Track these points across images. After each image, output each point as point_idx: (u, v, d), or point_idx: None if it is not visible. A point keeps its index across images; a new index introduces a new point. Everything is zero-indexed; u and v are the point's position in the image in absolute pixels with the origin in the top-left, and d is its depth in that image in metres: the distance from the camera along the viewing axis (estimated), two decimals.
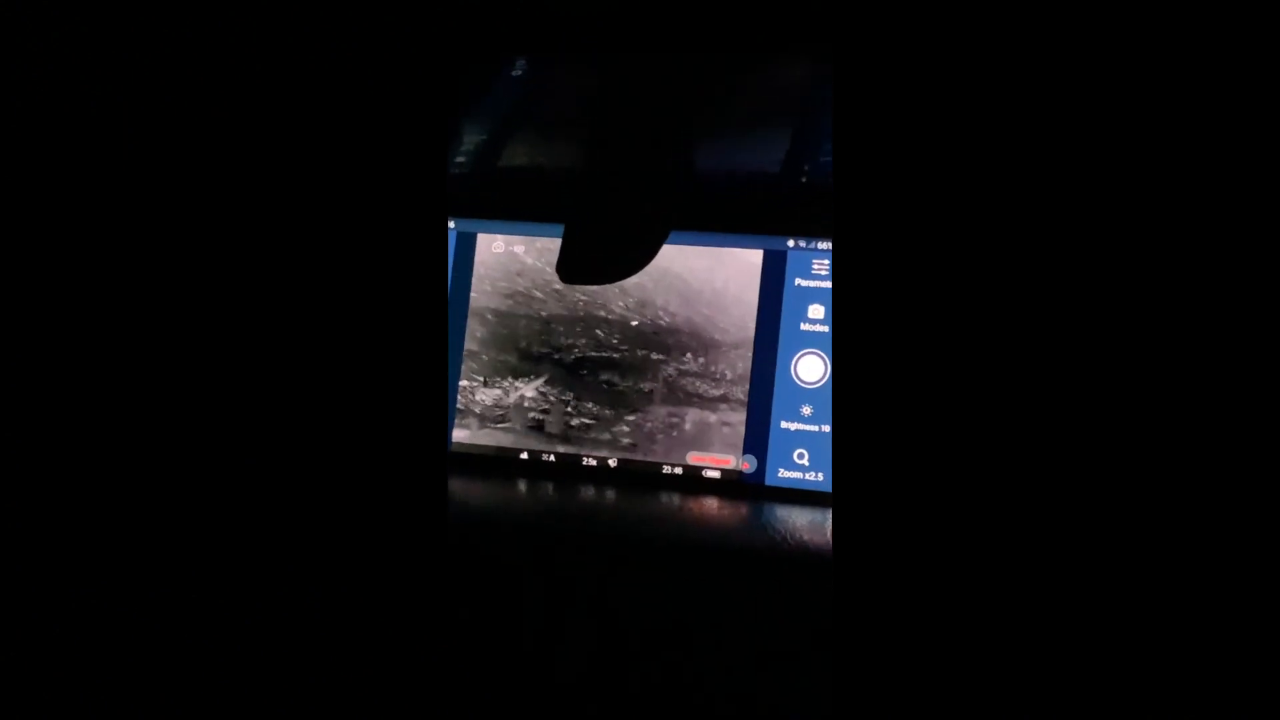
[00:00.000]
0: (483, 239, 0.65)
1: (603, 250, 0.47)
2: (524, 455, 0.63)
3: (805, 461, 0.60)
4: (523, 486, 0.60)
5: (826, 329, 0.60)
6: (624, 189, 0.48)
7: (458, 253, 0.65)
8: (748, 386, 0.61)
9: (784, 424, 0.60)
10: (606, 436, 0.62)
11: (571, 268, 0.47)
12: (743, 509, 0.56)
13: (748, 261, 0.62)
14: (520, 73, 0.65)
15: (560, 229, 0.46)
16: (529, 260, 0.64)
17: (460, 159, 0.64)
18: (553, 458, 0.63)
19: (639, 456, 0.62)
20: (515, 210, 0.65)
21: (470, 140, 0.62)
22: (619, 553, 0.49)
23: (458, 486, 0.57)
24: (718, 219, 0.63)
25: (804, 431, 0.60)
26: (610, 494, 0.59)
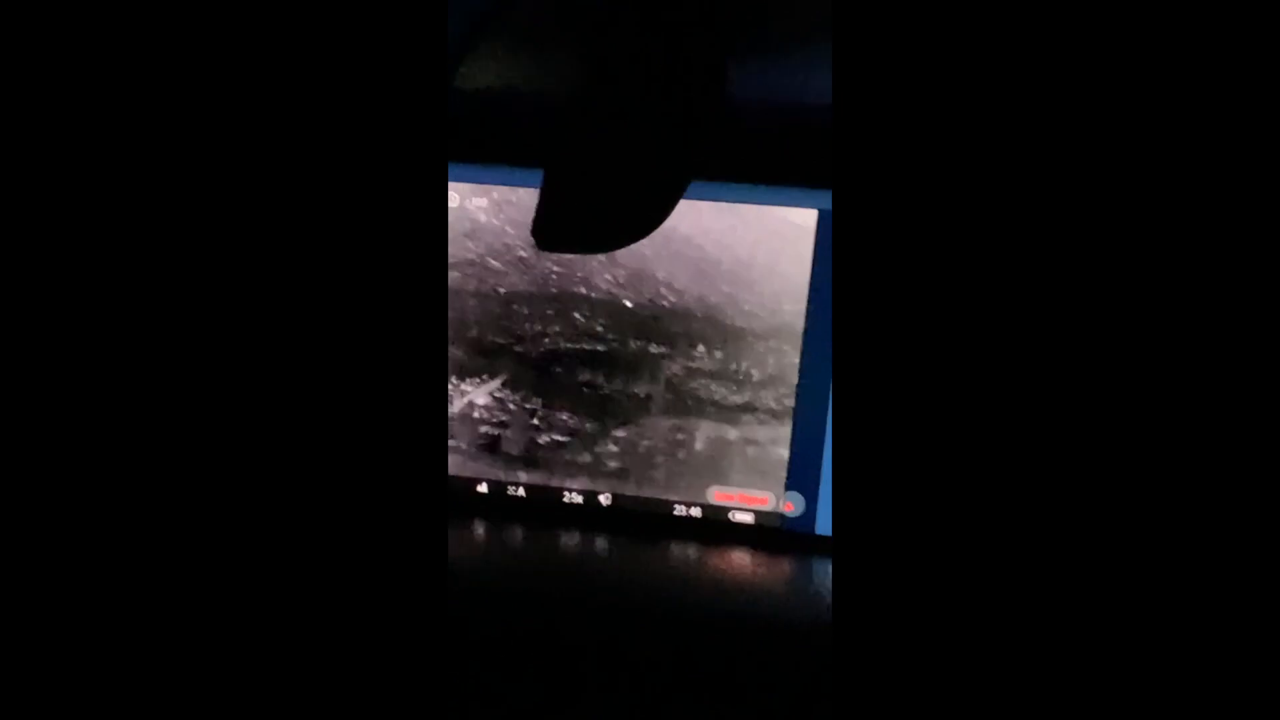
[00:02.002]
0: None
1: (597, 207, 0.39)
2: (482, 488, 0.49)
3: None
4: (481, 531, 0.47)
5: None
6: (628, 122, 0.39)
7: None
8: (790, 397, 0.46)
9: None
10: (587, 459, 0.47)
11: (552, 230, 0.38)
12: (784, 566, 0.46)
13: (793, 224, 0.46)
14: None
15: (537, 176, 0.38)
16: (483, 218, 0.48)
17: None
18: (522, 491, 0.48)
19: (638, 490, 0.47)
20: (476, 149, 0.49)
21: None
22: (616, 627, 0.41)
23: None
24: (757, 166, 0.47)
25: None
26: (602, 544, 0.46)
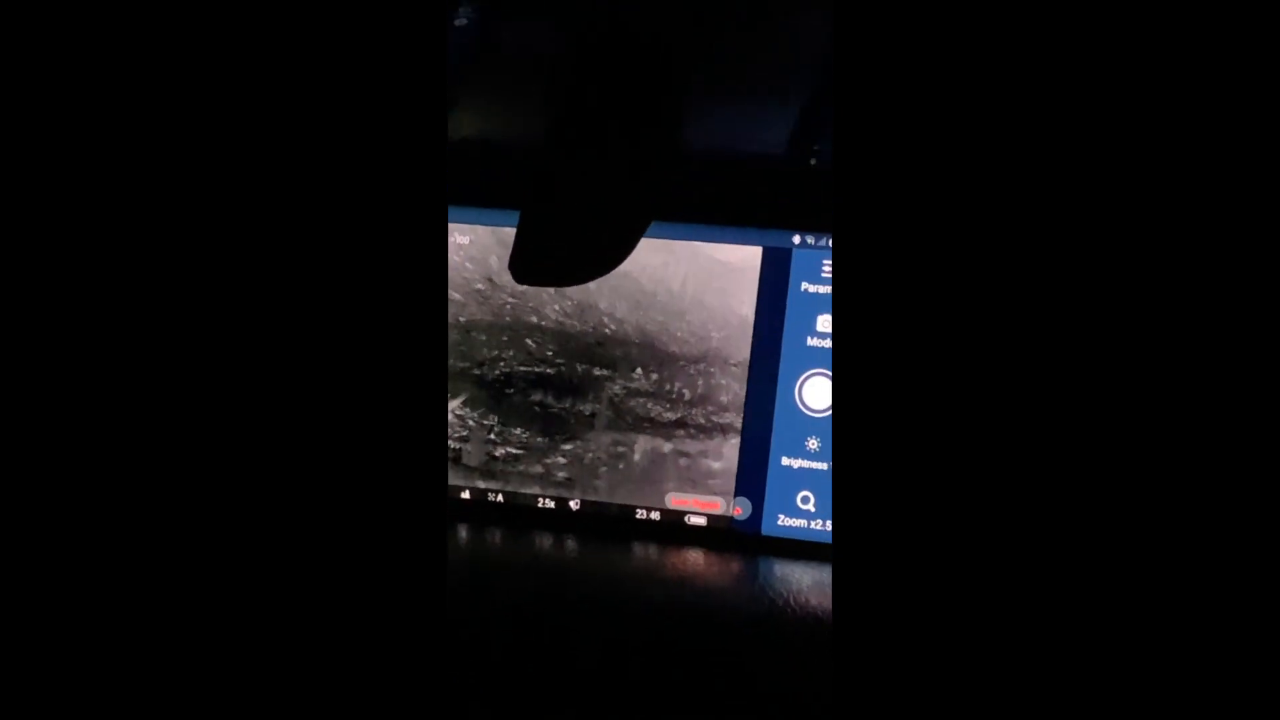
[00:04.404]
0: None
1: (569, 243, 0.43)
2: (465, 495, 0.54)
3: (811, 506, 0.51)
4: (464, 533, 0.51)
5: None
6: (594, 168, 0.42)
7: None
8: (719, 414, 0.52)
9: (785, 460, 0.51)
10: (538, 470, 0.53)
11: (528, 264, 0.42)
12: (733, 564, 0.49)
13: (719, 260, 0.53)
14: (466, 20, 0.56)
15: (499, 216, 0.46)
16: (452, 256, 0.53)
17: None
18: (500, 498, 0.53)
19: (605, 497, 0.53)
20: (462, 192, 0.54)
21: None
22: (584, 619, 0.45)
23: None
24: (708, 208, 0.53)
25: (810, 470, 0.51)
26: (570, 544, 0.51)
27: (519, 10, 0.58)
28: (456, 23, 0.55)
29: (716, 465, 0.52)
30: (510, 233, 0.45)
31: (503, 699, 0.45)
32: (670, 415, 0.52)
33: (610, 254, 0.43)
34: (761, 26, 0.56)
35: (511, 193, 0.52)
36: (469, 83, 0.58)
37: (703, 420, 0.52)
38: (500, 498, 0.53)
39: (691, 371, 0.52)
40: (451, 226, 0.54)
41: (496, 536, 0.52)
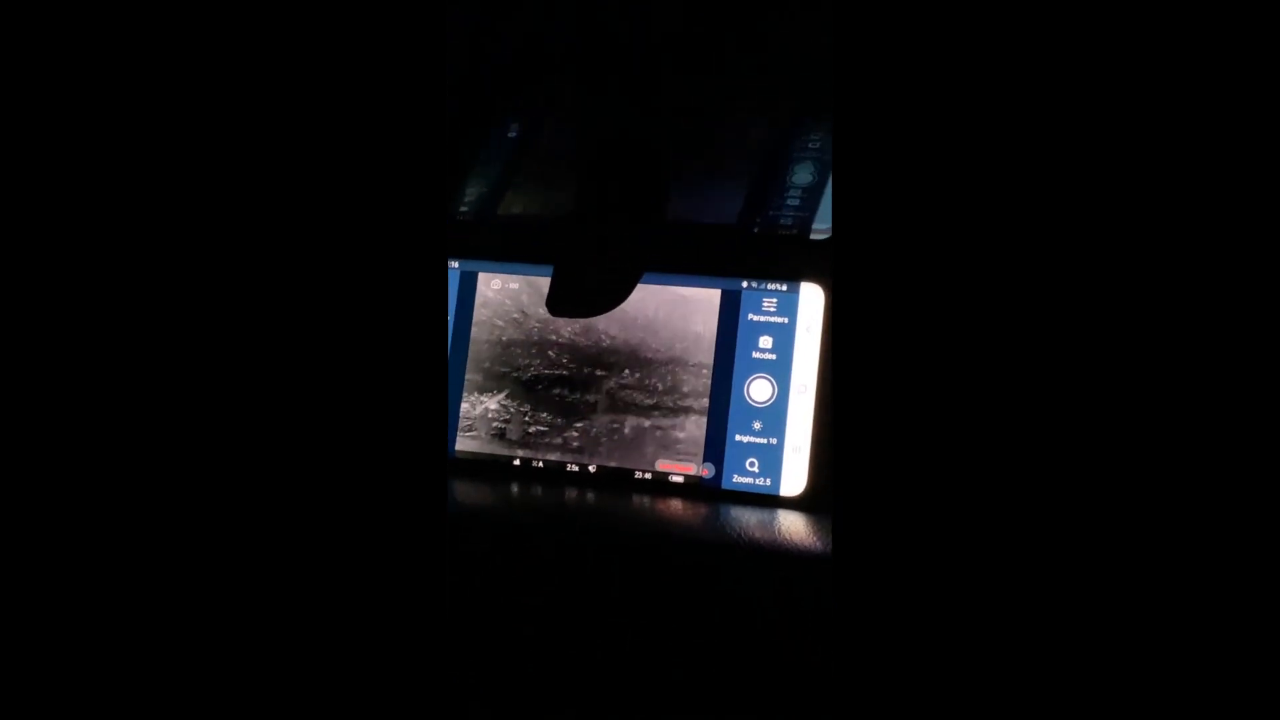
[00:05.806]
0: (483, 277, 0.75)
1: (589, 288, 0.58)
2: (516, 462, 0.72)
3: (756, 469, 0.68)
4: (515, 489, 0.70)
5: (774, 357, 0.70)
6: (606, 235, 0.58)
7: (461, 289, 0.75)
8: (684, 399, 0.71)
9: (738, 437, 0.69)
10: (558, 441, 0.72)
11: (560, 303, 0.59)
12: (702, 509, 0.65)
13: (683, 296, 0.72)
14: (515, 133, 0.76)
15: (541, 269, 0.60)
16: (492, 295, 0.75)
17: (464, 208, 0.76)
18: (542, 464, 0.72)
19: (613, 462, 0.71)
20: (511, 253, 0.75)
21: (472, 192, 0.75)
22: (604, 547, 0.58)
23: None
24: (683, 262, 0.71)
25: (755, 443, 0.69)
26: (590, 495, 0.69)
27: (551, 125, 0.77)
28: (509, 134, 0.74)
29: (683, 435, 0.71)
30: (538, 281, 0.61)
31: (530, 590, 0.57)
32: (648, 401, 0.71)
33: (616, 295, 0.59)
34: (719, 137, 0.76)
35: (544, 252, 0.71)
36: (516, 174, 0.78)
37: (670, 404, 0.71)
38: (542, 464, 0.72)
39: (661, 371, 0.72)
40: (498, 276, 0.74)
41: (538, 490, 0.69)
